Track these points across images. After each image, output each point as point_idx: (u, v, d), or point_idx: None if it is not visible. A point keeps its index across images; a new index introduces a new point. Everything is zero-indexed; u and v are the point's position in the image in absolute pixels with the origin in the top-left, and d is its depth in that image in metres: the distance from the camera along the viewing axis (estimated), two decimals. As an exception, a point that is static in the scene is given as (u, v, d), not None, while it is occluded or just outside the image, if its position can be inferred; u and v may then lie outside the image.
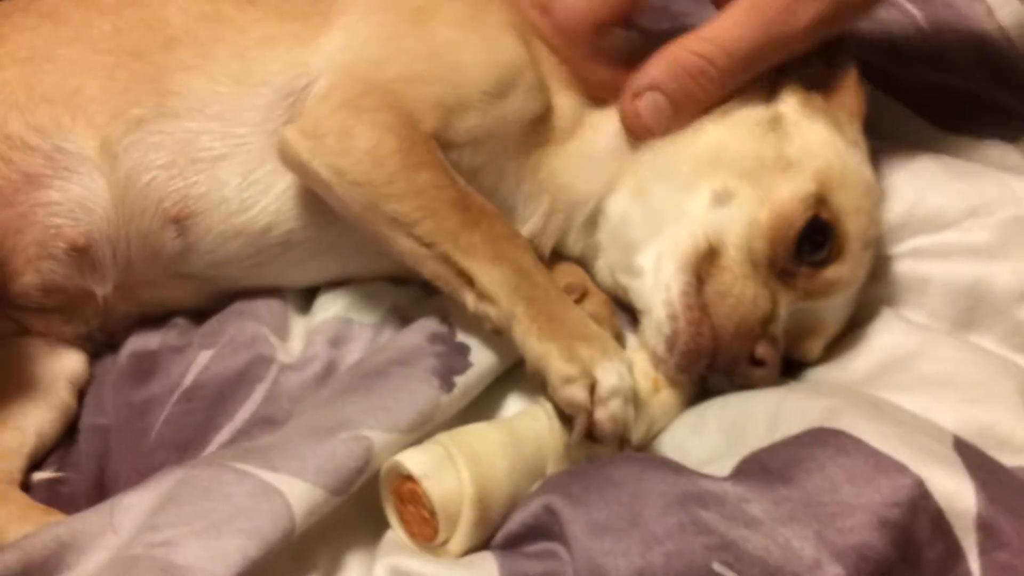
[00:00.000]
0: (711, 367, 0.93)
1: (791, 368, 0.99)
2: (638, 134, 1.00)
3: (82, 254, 1.00)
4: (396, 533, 0.85)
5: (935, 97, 1.24)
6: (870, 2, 0.99)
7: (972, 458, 0.79)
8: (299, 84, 1.00)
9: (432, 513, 0.81)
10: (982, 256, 1.01)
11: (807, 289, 0.95)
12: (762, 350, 0.93)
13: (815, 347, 0.99)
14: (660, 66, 0.97)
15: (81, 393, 1.05)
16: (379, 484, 0.85)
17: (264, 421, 0.96)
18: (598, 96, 1.03)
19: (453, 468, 0.82)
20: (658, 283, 0.95)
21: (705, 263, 0.94)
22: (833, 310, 0.98)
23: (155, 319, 1.07)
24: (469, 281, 0.91)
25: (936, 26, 1.35)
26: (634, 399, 0.87)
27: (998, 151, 1.18)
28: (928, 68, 1.28)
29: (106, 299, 1.03)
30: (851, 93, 1.01)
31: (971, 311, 1.01)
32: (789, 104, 0.99)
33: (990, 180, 1.06)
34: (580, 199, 1.04)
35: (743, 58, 0.96)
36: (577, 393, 0.85)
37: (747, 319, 0.92)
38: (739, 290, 0.92)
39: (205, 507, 0.77)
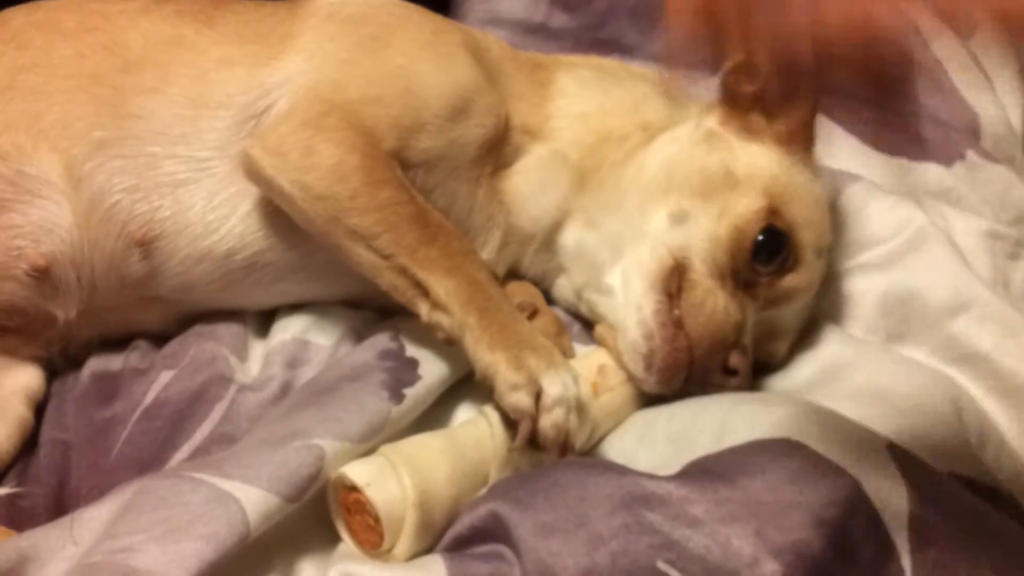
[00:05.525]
0: (687, 380, 0.96)
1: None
2: None
3: (43, 275, 1.00)
4: (346, 544, 0.87)
5: (874, 119, 1.28)
6: None
7: (905, 461, 0.82)
8: (259, 107, 1.02)
9: (376, 519, 0.83)
10: (915, 271, 1.05)
11: (768, 298, 0.99)
12: (735, 359, 0.96)
13: (780, 349, 1.03)
14: None
15: (38, 407, 1.05)
16: (327, 497, 0.87)
17: (222, 439, 0.97)
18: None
19: (395, 475, 0.84)
20: (629, 303, 0.98)
21: (674, 279, 0.97)
22: (793, 315, 1.02)
23: (117, 342, 1.08)
24: (424, 292, 0.94)
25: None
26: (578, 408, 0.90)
27: (935, 174, 1.22)
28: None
29: (68, 324, 1.03)
30: (802, 121, 1.04)
31: (904, 323, 1.05)
32: (715, 119, 1.04)
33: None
34: (529, 234, 1.08)
35: None
36: (522, 400, 0.88)
37: (722, 328, 0.95)
38: (712, 301, 0.96)
39: (163, 514, 0.79)
